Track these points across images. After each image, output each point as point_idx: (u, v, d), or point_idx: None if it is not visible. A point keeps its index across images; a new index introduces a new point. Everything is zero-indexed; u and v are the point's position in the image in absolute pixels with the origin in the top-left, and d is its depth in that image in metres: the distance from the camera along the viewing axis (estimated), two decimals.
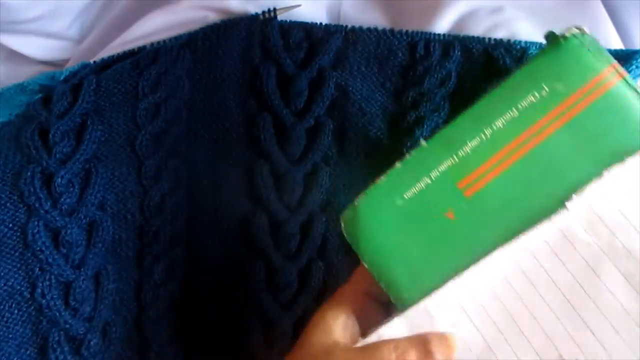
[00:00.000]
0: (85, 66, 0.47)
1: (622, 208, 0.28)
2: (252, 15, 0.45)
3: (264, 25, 0.45)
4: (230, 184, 0.44)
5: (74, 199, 0.42)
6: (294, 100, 0.44)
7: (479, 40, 0.44)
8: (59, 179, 0.42)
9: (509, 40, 0.43)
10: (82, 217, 0.42)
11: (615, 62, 0.30)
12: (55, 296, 0.40)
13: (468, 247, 0.30)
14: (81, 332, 0.40)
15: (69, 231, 0.41)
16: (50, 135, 0.43)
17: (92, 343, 0.40)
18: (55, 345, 0.40)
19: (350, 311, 0.32)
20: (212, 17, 0.47)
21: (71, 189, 0.42)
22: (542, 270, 0.29)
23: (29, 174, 0.41)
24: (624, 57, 0.42)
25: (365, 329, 0.32)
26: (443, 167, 0.31)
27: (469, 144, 0.30)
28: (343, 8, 0.49)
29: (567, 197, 0.29)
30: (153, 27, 0.47)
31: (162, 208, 0.43)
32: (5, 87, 0.47)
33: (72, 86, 0.45)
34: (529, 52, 0.43)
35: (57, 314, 0.40)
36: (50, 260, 0.40)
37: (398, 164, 0.31)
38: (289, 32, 0.45)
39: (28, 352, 0.40)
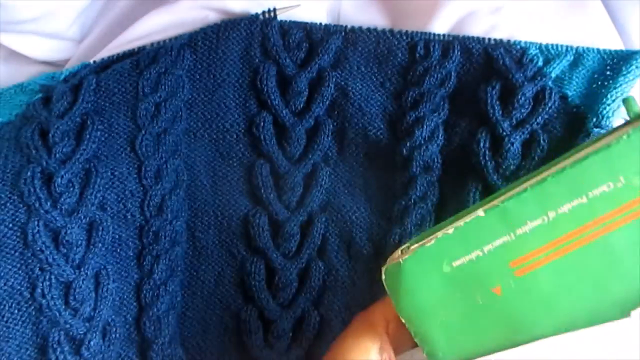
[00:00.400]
0: (85, 66, 0.47)
1: None
2: (252, 15, 0.45)
3: (264, 25, 0.45)
4: (230, 184, 0.44)
5: (74, 199, 0.42)
6: (294, 100, 0.44)
7: (479, 40, 0.44)
8: (59, 179, 0.42)
9: (508, 40, 0.43)
10: (82, 217, 0.42)
11: None
12: (55, 296, 0.40)
13: (511, 326, 0.29)
14: (81, 332, 0.40)
15: (69, 231, 0.41)
16: (50, 135, 0.43)
17: (92, 343, 0.40)
18: (55, 345, 0.40)
19: (385, 332, 0.32)
20: (212, 17, 0.47)
21: (71, 189, 0.42)
22: None
23: (29, 174, 0.41)
24: (624, 57, 0.42)
25: (396, 349, 0.32)
26: (498, 243, 0.29)
27: (530, 224, 0.29)
28: (343, 8, 0.49)
29: (626, 298, 0.28)
30: (153, 27, 0.47)
31: (162, 208, 0.43)
32: (5, 87, 0.47)
33: (72, 86, 0.45)
34: (529, 52, 0.43)
35: (57, 313, 0.40)
36: (50, 260, 0.40)
37: (450, 229, 0.29)
38: (289, 32, 0.45)
39: (28, 352, 0.40)
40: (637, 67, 0.42)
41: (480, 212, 0.29)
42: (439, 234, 0.30)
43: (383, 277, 0.31)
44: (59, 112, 0.44)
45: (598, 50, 0.43)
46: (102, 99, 0.45)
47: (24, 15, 0.47)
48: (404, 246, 0.31)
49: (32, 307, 0.40)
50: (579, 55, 0.43)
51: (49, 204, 0.41)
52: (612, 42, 0.45)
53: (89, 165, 0.43)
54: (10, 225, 0.41)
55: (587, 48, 0.43)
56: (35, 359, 0.40)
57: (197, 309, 0.43)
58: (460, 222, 0.29)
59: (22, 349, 0.40)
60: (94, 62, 0.47)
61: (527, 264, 0.29)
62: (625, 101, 0.28)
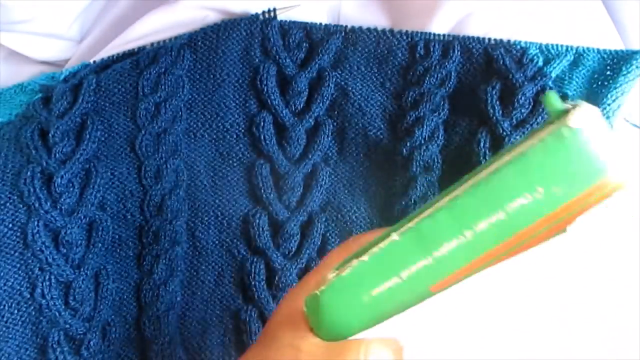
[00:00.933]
0: (85, 66, 0.47)
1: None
2: (252, 15, 0.45)
3: (264, 25, 0.45)
4: (231, 184, 0.44)
5: (73, 199, 0.42)
6: (294, 100, 0.44)
7: (479, 40, 0.44)
8: (59, 179, 0.42)
9: (508, 40, 0.43)
10: (82, 217, 0.42)
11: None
12: (55, 296, 0.40)
13: None
14: (81, 332, 0.40)
15: (68, 231, 0.41)
16: (50, 135, 0.43)
17: (91, 343, 0.40)
18: (55, 345, 0.40)
19: None
20: (212, 17, 0.47)
21: (71, 189, 0.42)
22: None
23: (28, 174, 0.41)
24: (624, 57, 0.42)
25: None
26: (416, 268, 0.27)
27: (447, 245, 0.26)
28: (343, 8, 0.49)
29: None
30: (153, 27, 0.47)
31: (162, 208, 0.43)
32: (5, 87, 0.47)
33: (72, 86, 0.45)
34: (529, 52, 0.43)
35: (57, 314, 0.40)
36: (50, 260, 0.40)
37: (366, 257, 0.27)
38: (289, 32, 0.45)
39: (28, 352, 0.40)
40: (637, 67, 0.42)
41: (395, 237, 0.27)
42: (355, 262, 0.28)
43: (304, 310, 0.29)
44: (59, 112, 0.44)
45: (598, 50, 0.43)
46: (102, 99, 0.45)
47: (24, 15, 0.47)
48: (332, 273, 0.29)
49: (32, 307, 0.40)
50: (579, 55, 0.43)
51: (48, 204, 0.41)
52: (612, 42, 0.45)
53: (88, 165, 0.43)
54: (10, 225, 0.41)
55: (587, 48, 0.43)
56: (35, 359, 0.40)
57: (197, 309, 0.43)
58: (375, 249, 0.27)
59: (21, 349, 0.40)
60: (94, 62, 0.47)
61: (449, 286, 0.27)
62: (546, 95, 0.25)
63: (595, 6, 0.46)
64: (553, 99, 0.25)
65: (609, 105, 0.41)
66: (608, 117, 0.41)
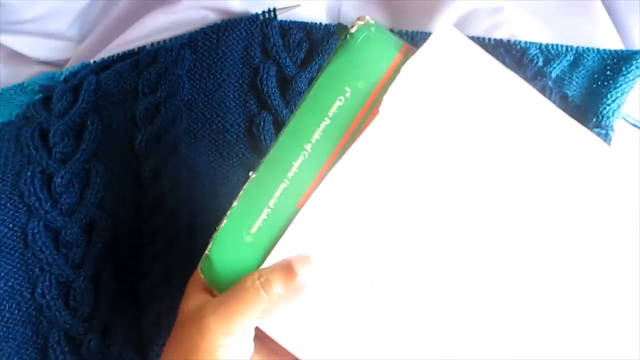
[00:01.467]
0: (85, 66, 0.47)
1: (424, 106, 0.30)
2: (252, 15, 0.45)
3: (264, 25, 0.45)
4: (230, 184, 0.44)
5: (73, 199, 0.42)
6: (294, 100, 0.44)
7: (479, 40, 0.44)
8: (59, 179, 0.42)
9: (509, 40, 0.43)
10: (82, 216, 0.42)
11: (405, 44, 0.31)
12: (55, 296, 0.40)
13: None
14: (81, 332, 0.40)
15: (68, 231, 0.41)
16: (50, 136, 0.43)
17: (91, 343, 0.40)
18: (55, 346, 0.40)
19: None
20: (212, 17, 0.47)
21: (71, 189, 0.42)
22: (365, 180, 0.30)
23: (28, 174, 0.41)
24: (624, 57, 0.42)
25: None
26: (278, 193, 0.31)
27: (295, 164, 0.30)
28: (343, 8, 0.49)
29: None
30: (153, 27, 0.47)
31: (162, 208, 0.43)
32: (5, 87, 0.47)
33: (72, 86, 0.45)
34: (529, 52, 0.43)
35: (57, 314, 0.40)
36: (50, 260, 0.40)
37: (235, 203, 0.31)
38: (289, 32, 0.45)
39: (28, 352, 0.40)
40: (637, 67, 0.42)
41: (252, 175, 0.31)
42: (228, 212, 0.31)
43: (202, 277, 0.31)
44: (59, 112, 0.44)
45: (598, 50, 0.43)
46: (102, 99, 0.45)
47: (24, 15, 0.47)
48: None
49: (32, 307, 0.40)
50: (579, 55, 0.43)
51: (48, 204, 0.41)
52: (612, 42, 0.45)
53: (88, 165, 0.43)
54: (11, 225, 0.41)
55: (587, 48, 0.43)
56: (36, 359, 0.40)
57: None
58: (241, 192, 0.31)
59: (22, 349, 0.40)
60: (94, 62, 0.47)
61: (311, 199, 0.30)
62: (336, 27, 0.32)
63: (595, 6, 0.46)
64: (340, 25, 0.31)
65: (609, 105, 0.41)
66: (608, 117, 0.41)
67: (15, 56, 0.51)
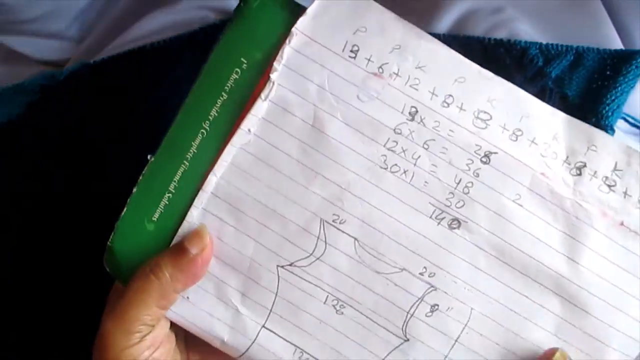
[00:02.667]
0: (85, 66, 0.47)
1: (322, 62, 0.29)
2: None
3: None
4: None
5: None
6: None
7: (479, 40, 0.44)
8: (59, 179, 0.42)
9: (509, 40, 0.43)
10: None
11: (304, 8, 0.30)
12: None
13: None
14: None
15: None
16: (50, 136, 0.43)
17: None
18: None
19: None
20: (212, 17, 0.47)
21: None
22: (268, 145, 0.30)
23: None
24: (624, 57, 0.42)
25: None
26: (178, 176, 0.30)
27: (194, 143, 0.30)
28: None
29: None
30: (153, 27, 0.47)
31: None
32: (5, 87, 0.47)
33: (72, 86, 0.45)
34: (529, 52, 0.43)
35: None
36: None
37: (134, 190, 0.30)
38: None
39: None
40: (637, 67, 0.42)
41: (150, 158, 0.30)
42: (128, 200, 0.30)
43: (107, 269, 0.30)
44: (58, 112, 0.44)
45: (598, 50, 0.43)
46: (101, 99, 0.45)
47: (24, 15, 0.47)
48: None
49: None
50: (579, 55, 0.43)
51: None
52: (612, 42, 0.45)
53: (88, 166, 0.43)
54: None
55: (587, 48, 0.43)
56: None
57: None
58: (140, 177, 0.30)
59: None
60: (94, 62, 0.47)
61: (211, 178, 0.30)
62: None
63: (595, 6, 0.46)
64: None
65: (608, 105, 0.41)
66: (608, 117, 0.41)
67: (15, 56, 0.51)
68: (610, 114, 0.42)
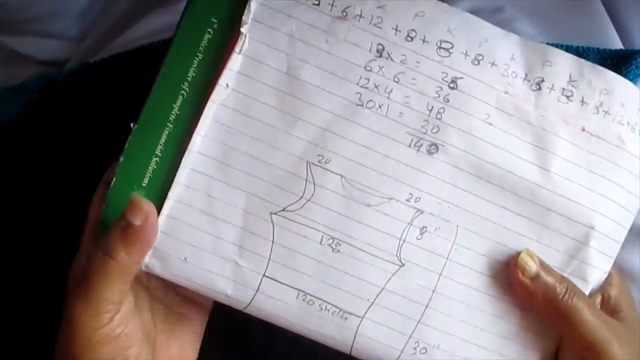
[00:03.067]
0: (85, 66, 0.47)
1: (288, 12, 0.30)
2: None
3: None
4: None
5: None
6: None
7: None
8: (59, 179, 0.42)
9: None
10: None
11: None
12: None
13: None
14: None
15: None
16: (50, 136, 0.43)
17: None
18: None
19: None
20: None
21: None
22: (247, 98, 0.31)
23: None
24: (624, 57, 0.42)
25: None
26: (163, 140, 0.31)
27: (175, 106, 0.31)
28: None
29: None
30: (153, 27, 0.47)
31: None
32: (5, 87, 0.47)
33: (72, 86, 0.45)
34: None
35: None
36: None
37: (121, 158, 0.31)
38: None
39: None
40: (636, 66, 0.42)
41: (133, 126, 0.31)
42: (115, 169, 0.31)
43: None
44: (58, 112, 0.44)
45: (598, 49, 0.43)
46: (102, 99, 0.45)
47: (24, 15, 0.47)
48: None
49: None
50: (579, 55, 0.43)
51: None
52: (612, 42, 0.45)
53: (88, 167, 0.43)
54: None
55: (587, 47, 0.43)
56: None
57: None
58: (126, 145, 0.31)
59: None
60: (94, 62, 0.47)
61: (194, 139, 0.31)
62: None
63: (595, 6, 0.46)
64: None
65: None
66: None
67: (15, 56, 0.51)
68: None
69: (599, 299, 0.32)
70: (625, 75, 0.42)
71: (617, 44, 0.45)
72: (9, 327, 0.41)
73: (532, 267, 0.31)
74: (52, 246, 0.42)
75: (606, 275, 0.32)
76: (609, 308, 0.32)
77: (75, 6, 0.49)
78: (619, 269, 0.39)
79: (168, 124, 0.31)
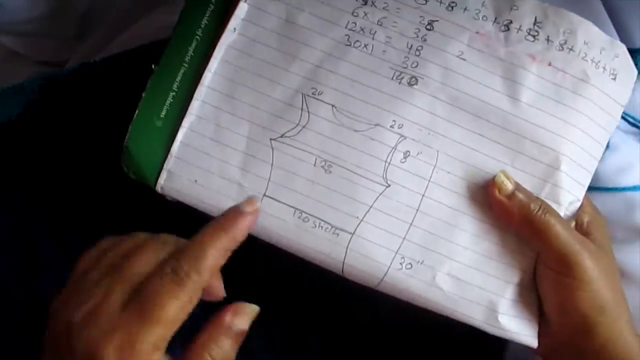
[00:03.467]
0: (85, 66, 0.47)
1: None
2: None
3: None
4: None
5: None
6: None
7: None
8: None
9: None
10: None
11: None
12: None
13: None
14: None
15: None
16: (50, 135, 0.43)
17: None
18: None
19: None
20: None
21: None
22: (251, 41, 0.36)
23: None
24: None
25: None
26: (179, 77, 0.36)
27: (190, 49, 0.36)
28: None
29: None
30: (153, 26, 0.47)
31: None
32: (5, 87, 0.47)
33: (71, 86, 0.45)
34: None
35: None
36: None
37: (143, 94, 0.36)
38: None
39: None
40: (635, 64, 0.42)
41: (154, 67, 0.36)
42: (139, 104, 0.36)
43: (126, 170, 0.36)
44: (58, 112, 0.44)
45: None
46: (102, 99, 0.45)
47: (24, 15, 0.47)
48: None
49: None
50: None
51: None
52: None
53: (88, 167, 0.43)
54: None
55: None
56: None
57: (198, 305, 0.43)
58: (147, 84, 0.36)
59: None
60: (94, 62, 0.47)
61: (205, 77, 0.36)
62: None
63: (595, 6, 0.46)
64: None
65: None
66: None
67: (15, 56, 0.51)
68: None
69: (572, 224, 0.35)
70: None
71: None
72: (11, 327, 0.41)
73: (508, 185, 0.33)
74: (52, 246, 0.42)
75: (579, 203, 0.35)
76: (582, 232, 0.35)
77: (75, 6, 0.49)
78: (620, 270, 0.40)
79: (184, 64, 0.36)
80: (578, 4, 0.46)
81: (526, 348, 0.36)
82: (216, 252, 0.28)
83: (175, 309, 0.26)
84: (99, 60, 0.47)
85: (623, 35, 0.46)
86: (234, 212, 0.29)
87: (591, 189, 0.42)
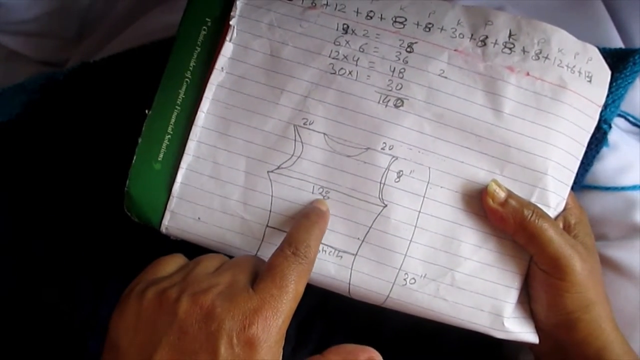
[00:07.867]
0: (85, 66, 0.47)
1: (268, 7, 0.37)
2: None
3: None
4: None
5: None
6: None
7: None
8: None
9: None
10: None
11: None
12: None
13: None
14: None
15: None
16: (50, 135, 0.43)
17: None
18: None
19: None
20: None
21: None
22: (239, 78, 0.36)
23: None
24: (623, 57, 0.42)
25: None
26: (173, 120, 0.36)
27: (181, 91, 0.36)
28: None
29: None
30: (153, 26, 0.47)
31: None
32: (5, 87, 0.47)
33: (72, 86, 0.45)
34: None
35: None
36: None
37: (140, 140, 0.36)
38: None
39: None
40: (634, 64, 0.42)
41: (148, 112, 0.37)
42: (136, 149, 0.36)
43: (129, 215, 0.36)
44: (58, 112, 0.44)
45: (597, 48, 0.43)
46: (102, 99, 0.45)
47: (24, 15, 0.47)
48: None
49: None
50: None
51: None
52: (612, 42, 0.45)
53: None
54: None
55: None
56: None
57: None
58: (143, 129, 0.36)
59: None
60: (94, 62, 0.47)
61: (198, 115, 0.36)
62: None
63: (596, 6, 0.46)
64: None
65: (608, 104, 0.41)
66: (607, 116, 0.41)
67: (15, 56, 0.51)
68: (609, 113, 0.42)
69: (561, 224, 0.36)
70: (622, 73, 0.42)
71: (618, 44, 0.45)
72: (9, 328, 0.41)
73: (500, 193, 0.34)
74: (52, 246, 0.42)
75: (564, 201, 0.36)
76: (569, 233, 0.36)
77: (75, 6, 0.49)
78: (619, 268, 0.40)
79: (176, 106, 0.36)
80: (579, 5, 0.46)
81: (517, 343, 0.36)
82: (317, 242, 0.32)
83: (304, 284, 0.30)
84: (99, 60, 0.47)
85: (624, 35, 0.46)
86: (317, 212, 0.33)
87: (591, 188, 0.42)
